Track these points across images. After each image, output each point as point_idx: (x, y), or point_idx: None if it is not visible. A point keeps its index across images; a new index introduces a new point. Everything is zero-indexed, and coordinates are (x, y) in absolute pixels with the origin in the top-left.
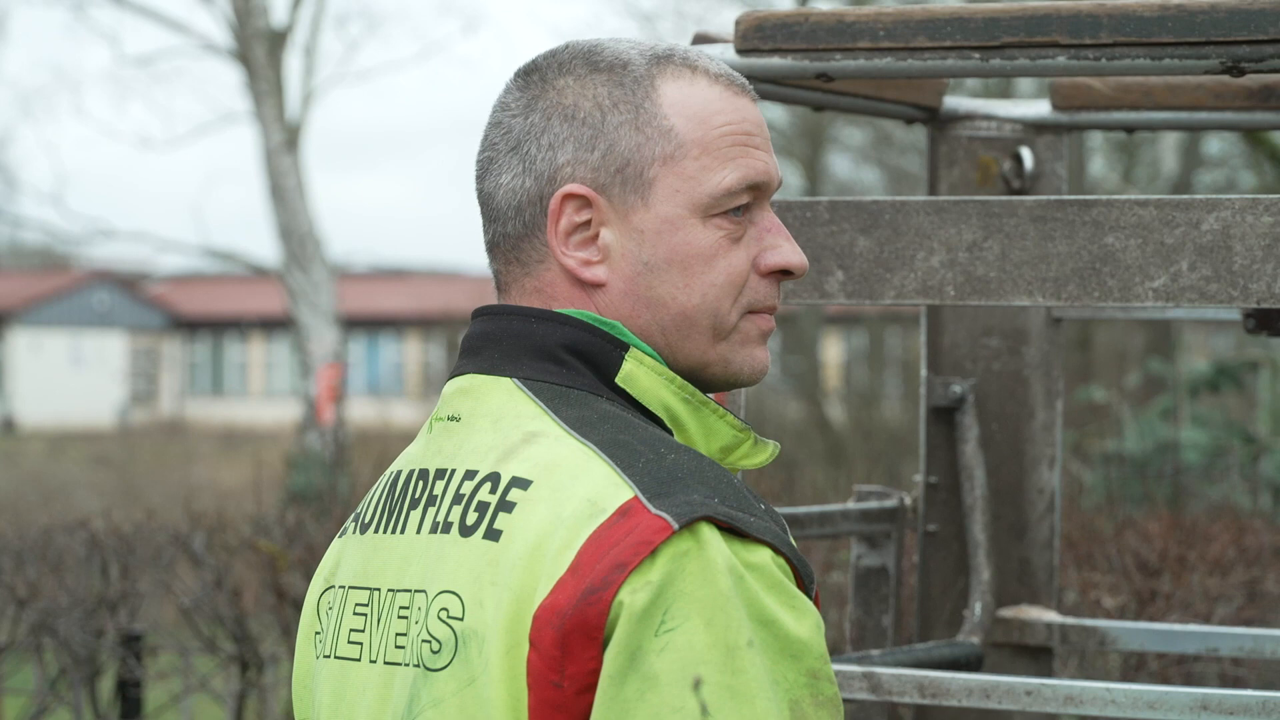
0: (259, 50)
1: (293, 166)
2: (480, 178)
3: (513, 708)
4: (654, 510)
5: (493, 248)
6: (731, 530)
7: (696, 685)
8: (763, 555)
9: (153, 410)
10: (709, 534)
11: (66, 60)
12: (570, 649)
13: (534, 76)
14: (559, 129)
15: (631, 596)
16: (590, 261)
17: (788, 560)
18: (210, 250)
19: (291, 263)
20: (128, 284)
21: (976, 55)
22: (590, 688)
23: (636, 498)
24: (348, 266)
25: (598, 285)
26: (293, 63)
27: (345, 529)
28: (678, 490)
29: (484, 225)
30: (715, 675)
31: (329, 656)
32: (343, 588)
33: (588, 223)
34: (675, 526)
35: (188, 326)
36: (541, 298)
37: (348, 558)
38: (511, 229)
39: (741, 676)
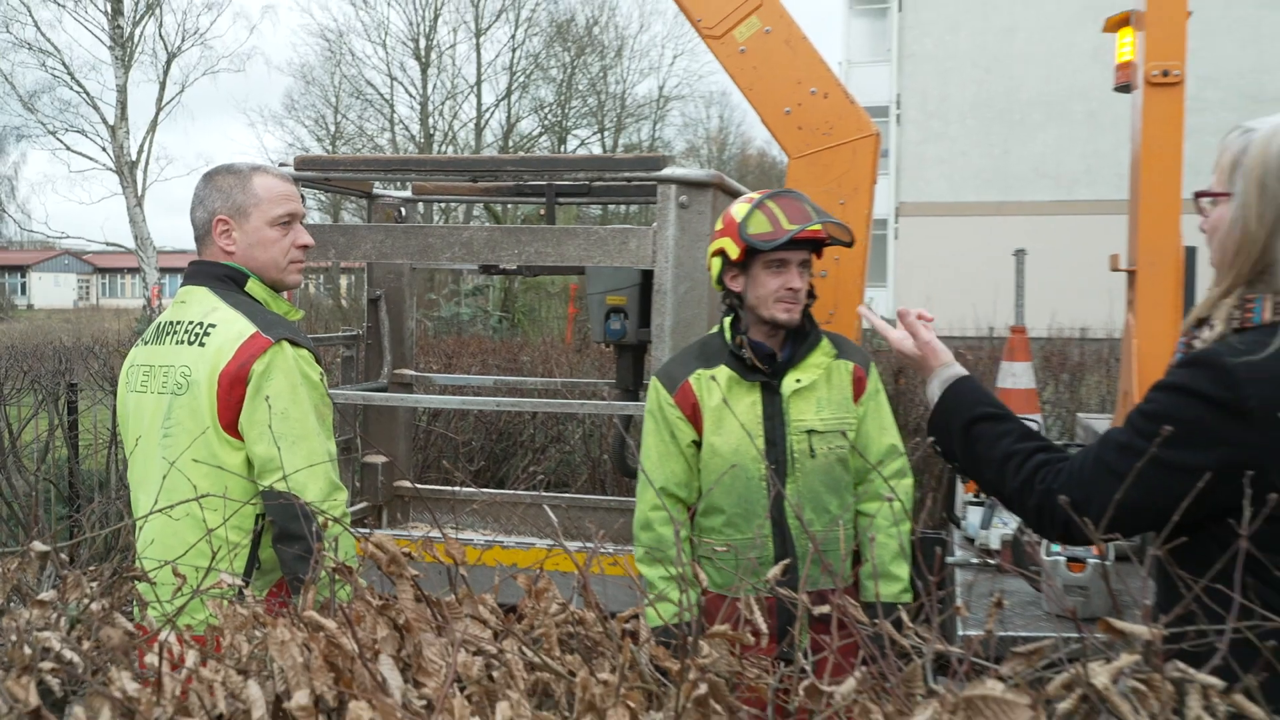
0: (125, 168)
1: (140, 212)
2: (191, 212)
3: (210, 406)
4: (265, 336)
5: (198, 240)
6: (293, 343)
7: (283, 400)
8: (305, 352)
9: (89, 304)
10: (287, 345)
11: (51, 170)
12: (234, 387)
13: (218, 173)
14: (215, 193)
15: (258, 366)
16: (229, 246)
17: (314, 354)
18: (108, 242)
19: (140, 248)
20: (76, 255)
21: (383, 173)
22: (241, 400)
23: (258, 331)
24: (163, 248)
25: (231, 254)
26: (139, 173)
27: (139, 343)
28: (274, 329)
29: (194, 232)
30: (289, 393)
31: (134, 392)
32: (138, 365)
33: (229, 230)
34: (273, 341)
35: (102, 272)
36: (212, 256)
37: (139, 354)
38: (202, 232)
39: (299, 395)
